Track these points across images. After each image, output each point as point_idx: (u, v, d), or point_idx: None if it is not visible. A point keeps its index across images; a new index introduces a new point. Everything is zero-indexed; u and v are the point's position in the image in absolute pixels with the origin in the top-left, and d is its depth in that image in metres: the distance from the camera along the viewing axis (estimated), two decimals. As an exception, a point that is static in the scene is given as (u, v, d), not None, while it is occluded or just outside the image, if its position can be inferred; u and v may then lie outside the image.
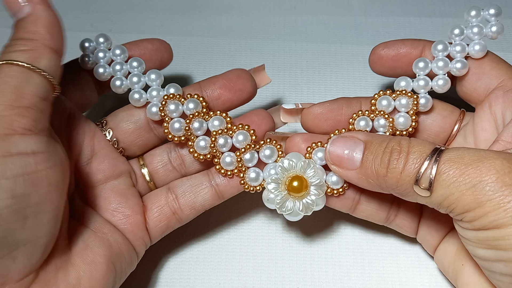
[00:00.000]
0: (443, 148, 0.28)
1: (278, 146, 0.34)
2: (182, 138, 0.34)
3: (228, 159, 0.33)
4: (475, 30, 0.33)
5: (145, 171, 0.36)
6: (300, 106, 0.35)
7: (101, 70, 0.34)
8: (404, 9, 0.53)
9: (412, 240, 0.38)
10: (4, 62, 0.27)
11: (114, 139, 0.35)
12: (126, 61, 0.35)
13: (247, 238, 0.39)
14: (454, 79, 0.35)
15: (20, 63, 0.27)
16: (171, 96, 0.34)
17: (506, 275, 0.26)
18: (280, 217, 0.39)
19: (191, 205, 0.34)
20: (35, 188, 0.26)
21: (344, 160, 0.30)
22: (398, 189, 0.29)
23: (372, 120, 0.34)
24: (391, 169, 0.28)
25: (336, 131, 0.33)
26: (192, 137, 0.34)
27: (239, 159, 0.33)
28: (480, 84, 0.33)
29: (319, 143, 0.33)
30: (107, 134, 0.35)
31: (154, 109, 0.34)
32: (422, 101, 0.34)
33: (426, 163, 0.27)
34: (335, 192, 0.33)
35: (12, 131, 0.25)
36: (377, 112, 0.34)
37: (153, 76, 0.35)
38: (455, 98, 0.36)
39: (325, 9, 0.53)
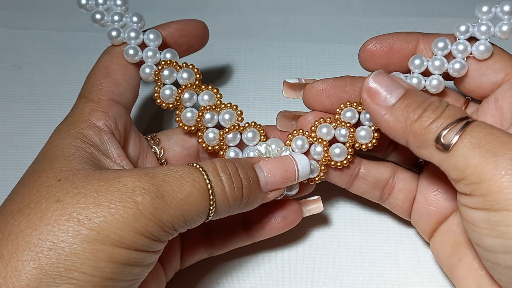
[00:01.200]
0: (473, 120, 0.27)
1: (261, 131, 0.34)
2: (170, 105, 0.34)
3: (211, 135, 0.34)
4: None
5: None
6: (303, 81, 0.35)
7: (98, 16, 0.35)
8: (404, 9, 0.53)
9: (412, 240, 0.38)
10: None
11: (164, 160, 0.35)
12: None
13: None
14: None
15: None
16: (168, 62, 0.34)
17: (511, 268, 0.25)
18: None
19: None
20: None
21: (379, 95, 0.29)
22: (420, 138, 0.28)
23: (359, 113, 0.33)
24: (423, 117, 0.28)
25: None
26: (181, 107, 0.34)
27: (221, 138, 0.34)
28: (486, 80, 0.32)
29: (300, 131, 0.34)
30: (158, 153, 0.35)
31: (148, 70, 0.34)
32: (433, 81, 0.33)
33: (457, 121, 0.27)
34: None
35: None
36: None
37: (152, 36, 0.34)
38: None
39: (324, 9, 0.53)
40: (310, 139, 0.34)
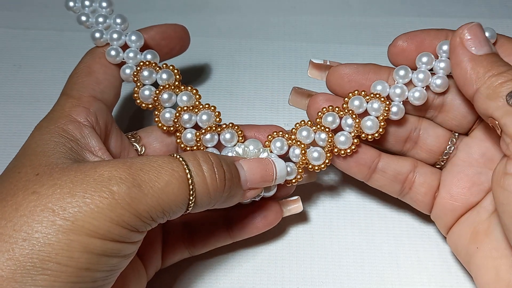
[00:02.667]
0: None
1: (239, 132, 0.34)
2: (150, 106, 0.35)
3: (189, 136, 0.34)
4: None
5: None
6: (328, 63, 0.35)
7: (83, 18, 0.35)
8: (404, 9, 0.53)
9: (412, 240, 0.38)
10: None
11: None
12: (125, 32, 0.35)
13: (247, 238, 0.38)
14: None
15: None
16: (147, 63, 0.34)
17: None
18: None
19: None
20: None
21: (470, 43, 0.30)
22: (493, 89, 0.28)
23: (339, 119, 0.34)
24: (503, 73, 0.28)
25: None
26: (159, 107, 0.34)
27: (198, 139, 0.34)
28: None
29: (280, 133, 0.34)
30: (139, 150, 0.35)
31: (128, 71, 0.35)
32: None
33: None
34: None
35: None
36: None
37: (133, 38, 0.35)
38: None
39: (324, 9, 0.53)
40: (290, 141, 0.34)
